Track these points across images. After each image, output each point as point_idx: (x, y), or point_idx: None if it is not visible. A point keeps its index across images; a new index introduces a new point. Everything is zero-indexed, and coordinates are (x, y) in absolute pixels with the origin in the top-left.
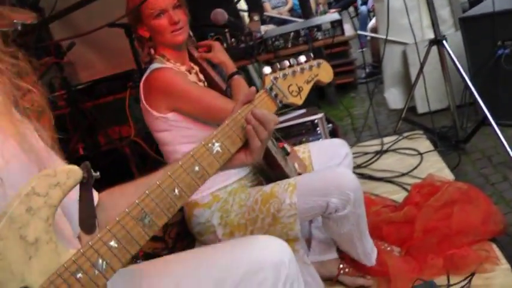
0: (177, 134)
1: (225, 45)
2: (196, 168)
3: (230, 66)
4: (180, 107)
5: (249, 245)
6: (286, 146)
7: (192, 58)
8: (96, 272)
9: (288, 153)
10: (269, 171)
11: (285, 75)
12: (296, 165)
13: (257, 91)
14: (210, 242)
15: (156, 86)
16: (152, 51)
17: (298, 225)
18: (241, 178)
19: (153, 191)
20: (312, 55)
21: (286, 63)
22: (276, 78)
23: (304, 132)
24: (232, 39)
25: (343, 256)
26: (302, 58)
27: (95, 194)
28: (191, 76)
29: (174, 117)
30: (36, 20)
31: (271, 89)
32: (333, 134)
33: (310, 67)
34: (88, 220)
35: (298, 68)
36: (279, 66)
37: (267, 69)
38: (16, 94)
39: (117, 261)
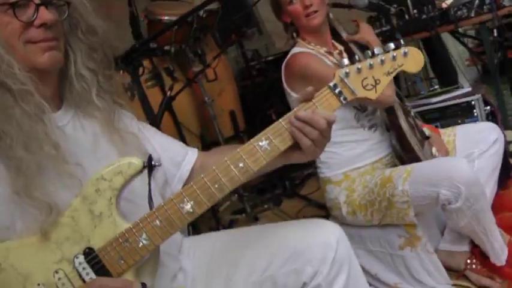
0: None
1: (406, 16)
2: (241, 164)
3: (374, 42)
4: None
5: (303, 226)
6: (425, 129)
7: (337, 37)
8: (140, 244)
9: (426, 137)
10: (403, 154)
11: (359, 70)
12: (434, 150)
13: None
14: (338, 218)
15: (293, 69)
16: (295, 35)
17: (412, 212)
18: (377, 160)
19: (197, 182)
20: (402, 42)
21: (369, 53)
22: (347, 74)
23: (459, 114)
24: (415, 10)
25: (474, 252)
26: (391, 46)
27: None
28: (331, 58)
29: None
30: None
31: (335, 85)
32: (491, 117)
33: (394, 57)
34: (150, 201)
35: (378, 60)
36: (357, 58)
37: (345, 61)
38: None
39: (158, 237)
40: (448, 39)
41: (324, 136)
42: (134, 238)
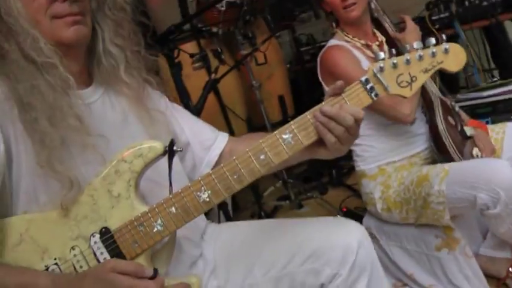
0: None
1: (466, 3)
2: (262, 156)
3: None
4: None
5: (326, 225)
6: (469, 128)
7: (380, 27)
8: (155, 229)
9: (467, 137)
10: (437, 155)
11: (394, 64)
12: (476, 151)
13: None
14: (372, 213)
15: (325, 64)
16: (334, 25)
17: (447, 215)
18: (413, 155)
19: (216, 171)
20: (444, 37)
21: (407, 47)
22: (381, 68)
23: None
24: None
25: None
26: (431, 41)
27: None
28: (368, 51)
29: None
30: None
31: (366, 80)
32: None
33: (433, 54)
34: (170, 184)
35: (415, 55)
36: (394, 51)
37: (381, 55)
38: None
39: (173, 224)
40: (510, 27)
41: (350, 133)
42: (149, 222)
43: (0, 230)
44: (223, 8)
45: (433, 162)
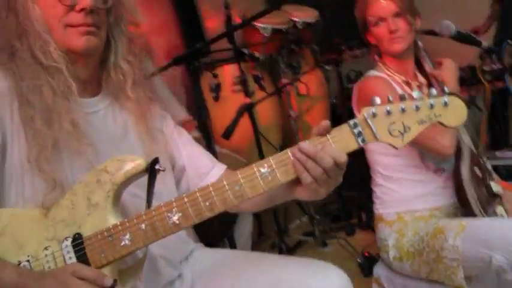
0: (376, 146)
1: None
2: (237, 187)
3: (451, 84)
4: None
5: (306, 265)
6: (494, 184)
7: (422, 69)
8: (122, 242)
9: (494, 194)
10: (459, 206)
11: (388, 112)
12: (501, 209)
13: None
14: (385, 261)
15: (360, 93)
16: (377, 57)
17: (461, 273)
18: (436, 207)
19: (190, 195)
20: (446, 89)
21: (405, 95)
22: (374, 114)
23: None
24: None
25: None
26: (433, 91)
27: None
28: (407, 88)
29: None
30: (317, 18)
31: (355, 124)
32: None
33: (431, 105)
34: (147, 201)
35: (412, 105)
36: (390, 98)
37: (377, 100)
38: None
39: (141, 241)
40: None
41: (329, 176)
42: (118, 235)
43: (9, 217)
44: (267, 34)
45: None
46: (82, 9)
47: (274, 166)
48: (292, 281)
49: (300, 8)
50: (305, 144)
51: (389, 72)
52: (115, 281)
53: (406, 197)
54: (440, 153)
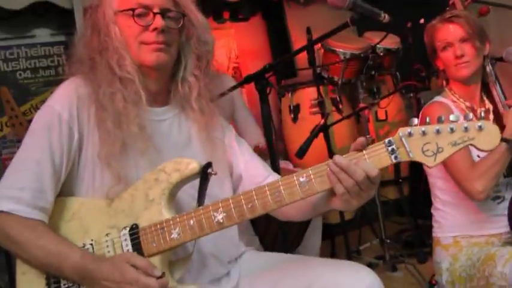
0: (435, 170)
1: None
2: (277, 193)
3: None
4: None
5: (339, 265)
6: None
7: (490, 94)
8: (172, 235)
9: None
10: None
11: (424, 132)
12: None
13: None
14: (439, 284)
15: (423, 119)
16: (444, 83)
17: None
18: (493, 234)
19: (235, 198)
20: (482, 114)
21: (443, 118)
22: (409, 134)
23: None
24: None
25: None
26: (469, 115)
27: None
28: (471, 114)
29: None
30: (398, 45)
31: (390, 142)
32: None
33: (466, 128)
34: (198, 201)
35: (447, 127)
36: (428, 119)
37: (414, 121)
38: None
39: (188, 235)
40: None
41: (361, 188)
42: (169, 229)
43: (63, 205)
44: (346, 59)
45: None
46: (155, 29)
47: (312, 176)
48: (325, 279)
49: (382, 35)
50: (340, 158)
51: (454, 98)
52: (163, 273)
53: (463, 222)
54: (471, 195)
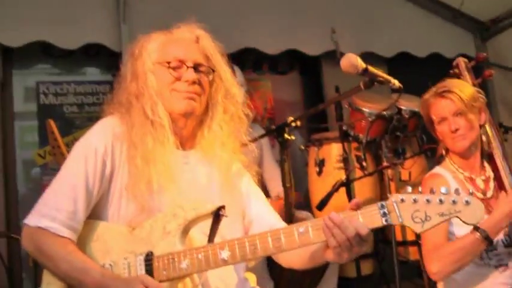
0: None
1: None
2: (277, 239)
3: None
4: None
5: None
6: None
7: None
8: (181, 265)
9: None
10: None
11: (415, 200)
12: None
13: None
14: None
15: (422, 188)
16: (444, 152)
17: None
18: None
19: (240, 239)
20: (470, 190)
21: (434, 190)
22: (402, 200)
23: None
24: None
25: None
26: (459, 190)
27: None
28: (468, 185)
29: None
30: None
31: (382, 205)
32: None
33: (454, 202)
34: (209, 238)
35: (436, 198)
36: (420, 189)
37: (409, 189)
38: None
39: (195, 268)
40: None
41: (352, 244)
42: (179, 259)
43: (91, 226)
44: (371, 119)
45: None
46: (187, 81)
47: (309, 228)
48: None
49: (409, 97)
50: (335, 214)
51: (453, 168)
52: None
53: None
54: (428, 274)
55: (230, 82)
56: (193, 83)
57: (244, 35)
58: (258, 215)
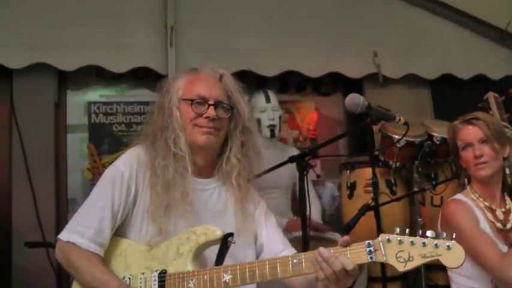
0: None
1: None
2: (273, 267)
3: None
4: (456, 240)
5: None
6: None
7: None
8: (189, 284)
9: None
10: None
11: (400, 241)
12: None
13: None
14: None
15: (443, 214)
16: (466, 181)
17: None
18: None
19: (242, 264)
20: (454, 235)
21: (419, 232)
22: (388, 240)
23: None
24: None
25: None
26: (443, 235)
27: None
28: (489, 214)
29: None
30: None
31: (369, 244)
32: None
33: (436, 245)
34: (216, 261)
35: (421, 241)
36: (407, 231)
37: (396, 230)
38: None
39: (201, 287)
40: None
41: (338, 278)
42: (188, 279)
43: (116, 242)
44: (400, 145)
45: None
46: (207, 117)
47: (303, 260)
48: None
49: (441, 123)
50: (323, 250)
51: (474, 197)
52: None
53: None
54: (500, 278)
55: (247, 117)
56: (213, 119)
57: (288, 58)
58: (269, 240)
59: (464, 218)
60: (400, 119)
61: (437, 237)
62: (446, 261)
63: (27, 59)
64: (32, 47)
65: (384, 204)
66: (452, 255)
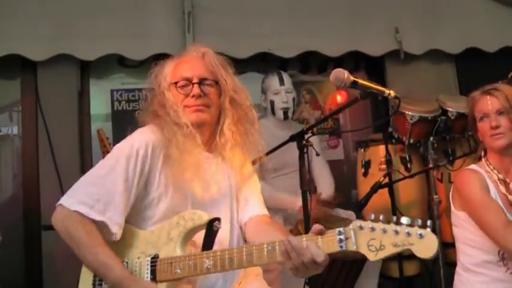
0: (463, 233)
1: None
2: (250, 254)
3: None
4: (466, 210)
5: None
6: None
7: None
8: (176, 270)
9: None
10: None
11: (372, 229)
12: None
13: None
14: None
15: (456, 182)
16: (482, 153)
17: None
18: None
19: (222, 251)
20: (428, 223)
21: (394, 218)
22: (360, 227)
23: None
24: None
25: None
26: (418, 222)
27: None
28: (501, 187)
29: (463, 216)
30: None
31: (340, 232)
32: None
33: (408, 233)
34: (203, 247)
35: (392, 228)
36: (381, 218)
37: (371, 216)
38: None
39: (186, 272)
40: None
41: (307, 267)
42: (175, 264)
43: (126, 230)
44: (413, 121)
45: None
46: (193, 96)
47: (276, 247)
48: None
49: (456, 98)
50: (293, 239)
51: (488, 169)
52: None
53: None
54: (503, 248)
55: (232, 89)
56: (199, 96)
57: (307, 38)
58: (248, 196)
59: (476, 186)
60: (389, 93)
61: (411, 224)
62: (417, 251)
63: (50, 51)
64: (54, 39)
65: (396, 181)
66: (424, 244)
